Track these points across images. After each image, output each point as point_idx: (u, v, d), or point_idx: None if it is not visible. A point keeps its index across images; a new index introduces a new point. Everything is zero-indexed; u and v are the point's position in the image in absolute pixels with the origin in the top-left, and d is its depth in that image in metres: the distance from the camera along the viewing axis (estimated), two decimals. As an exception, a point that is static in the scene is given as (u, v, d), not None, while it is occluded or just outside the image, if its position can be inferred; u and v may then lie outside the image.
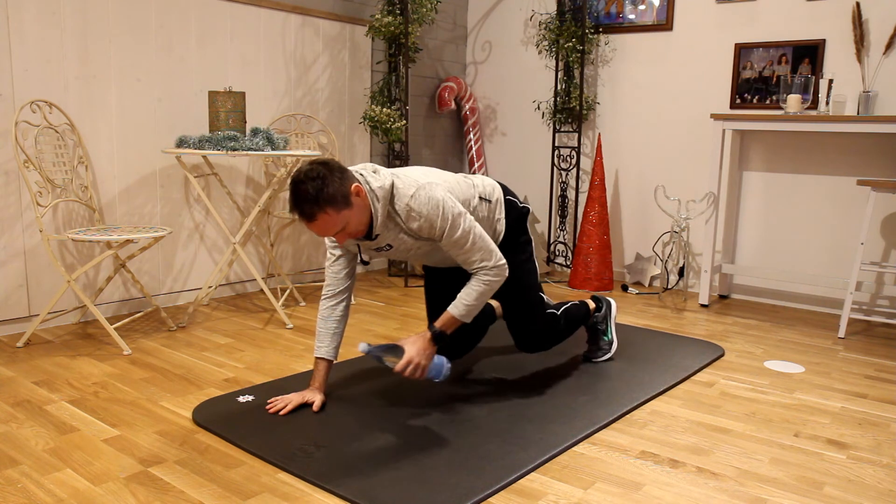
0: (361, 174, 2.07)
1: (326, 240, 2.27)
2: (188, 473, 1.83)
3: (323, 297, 2.31)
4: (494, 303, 2.76)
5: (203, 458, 1.91)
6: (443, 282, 2.54)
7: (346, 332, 3.14)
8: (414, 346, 2.11)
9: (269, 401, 2.25)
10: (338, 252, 2.27)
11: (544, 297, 2.53)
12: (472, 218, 2.15)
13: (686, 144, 4.10)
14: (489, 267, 2.15)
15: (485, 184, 2.40)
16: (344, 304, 2.30)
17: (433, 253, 2.30)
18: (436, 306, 2.54)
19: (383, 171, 2.12)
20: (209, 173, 3.53)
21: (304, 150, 3.72)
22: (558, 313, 2.54)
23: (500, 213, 2.41)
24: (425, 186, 2.08)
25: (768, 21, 3.76)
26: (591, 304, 2.78)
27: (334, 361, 2.32)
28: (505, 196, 2.44)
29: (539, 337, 2.47)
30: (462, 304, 2.15)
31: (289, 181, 2.02)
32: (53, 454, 1.92)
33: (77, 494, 1.71)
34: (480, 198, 2.34)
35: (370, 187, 2.05)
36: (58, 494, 1.71)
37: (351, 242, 2.22)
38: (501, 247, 2.44)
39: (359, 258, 2.28)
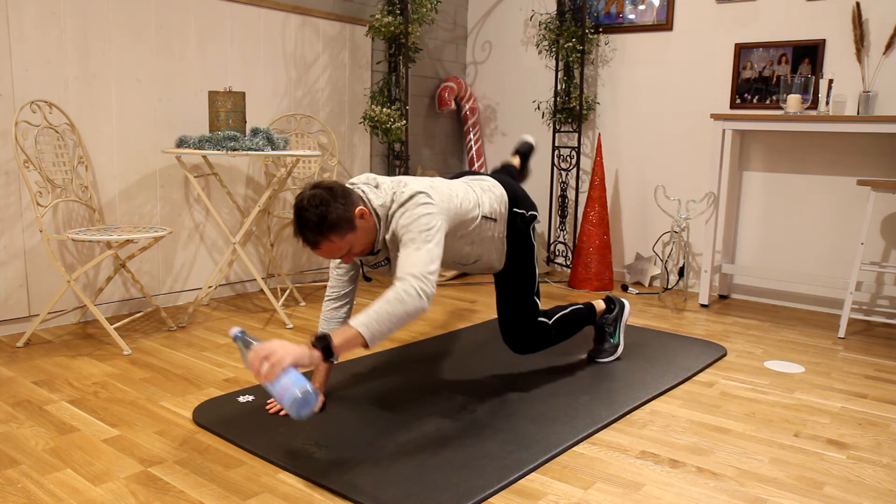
0: (363, 191, 2.03)
1: None
2: (188, 473, 1.83)
3: (326, 299, 2.30)
4: None
5: (203, 458, 1.91)
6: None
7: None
8: (280, 342, 1.74)
9: (268, 401, 2.25)
10: None
11: (539, 303, 2.52)
12: (441, 238, 1.99)
13: (686, 144, 4.10)
14: (409, 275, 1.86)
15: (492, 200, 2.33)
16: (347, 306, 2.30)
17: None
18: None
19: (384, 185, 2.07)
20: (209, 173, 3.53)
21: (304, 150, 3.73)
22: (550, 322, 2.52)
23: (505, 228, 2.40)
24: (413, 188, 2.03)
25: (768, 21, 3.76)
26: (602, 306, 2.77)
27: (335, 363, 2.32)
28: (511, 208, 2.40)
29: (526, 341, 2.48)
30: (362, 313, 1.80)
31: (293, 205, 1.95)
32: (53, 454, 1.92)
33: (77, 494, 1.71)
34: (484, 217, 2.29)
35: (372, 206, 2.02)
36: (58, 494, 1.71)
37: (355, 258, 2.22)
38: (507, 255, 2.44)
39: (361, 273, 2.28)
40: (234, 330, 1.79)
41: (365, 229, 2.00)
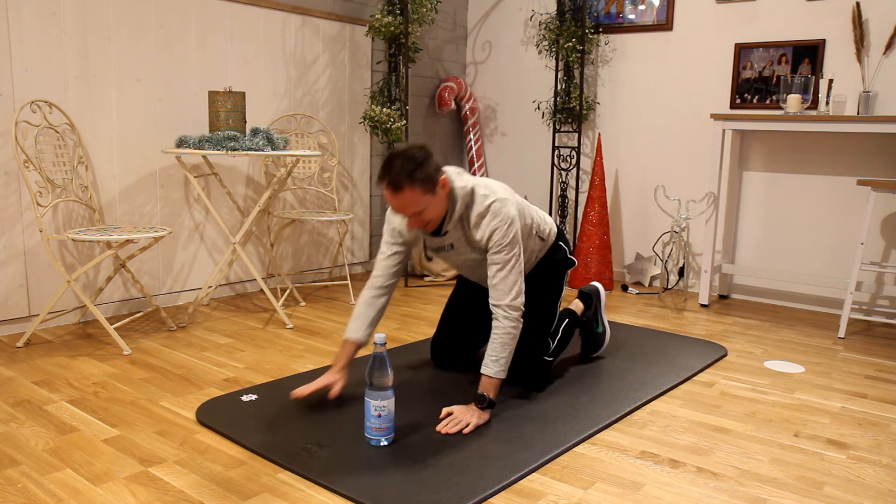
0: (448, 172, 2.17)
1: (385, 233, 2.34)
2: (188, 473, 1.83)
3: (368, 287, 2.35)
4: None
5: (203, 458, 1.91)
6: (470, 300, 2.62)
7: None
8: (459, 409, 2.15)
9: (295, 391, 2.24)
10: (394, 248, 2.32)
11: (552, 343, 2.54)
12: (522, 252, 2.22)
13: (686, 144, 4.10)
14: (506, 305, 2.15)
15: (546, 221, 2.49)
16: (386, 297, 2.36)
17: (482, 270, 2.34)
18: (452, 318, 2.63)
19: (466, 175, 2.22)
20: (209, 173, 3.53)
21: (304, 150, 3.72)
22: (552, 359, 2.53)
23: (544, 253, 2.51)
24: (503, 200, 2.17)
25: (768, 21, 3.76)
26: (580, 306, 2.79)
27: (363, 346, 2.34)
28: (557, 241, 2.54)
29: (526, 376, 2.46)
30: (491, 362, 2.15)
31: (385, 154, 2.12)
32: (53, 454, 1.92)
33: (77, 494, 1.71)
34: (536, 234, 2.42)
35: (452, 186, 2.15)
36: (58, 494, 1.71)
37: (419, 235, 2.29)
38: (535, 282, 2.49)
39: (423, 253, 2.32)
40: (381, 339, 1.96)
41: (441, 200, 2.12)
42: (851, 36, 3.53)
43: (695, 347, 3.00)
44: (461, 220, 2.19)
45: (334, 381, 2.26)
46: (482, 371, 2.16)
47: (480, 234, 2.17)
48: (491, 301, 2.18)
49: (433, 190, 2.07)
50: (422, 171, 2.03)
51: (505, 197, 2.19)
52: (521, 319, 2.18)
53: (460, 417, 2.11)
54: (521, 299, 2.18)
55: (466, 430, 2.08)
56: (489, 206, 2.16)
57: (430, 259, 2.33)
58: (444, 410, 2.16)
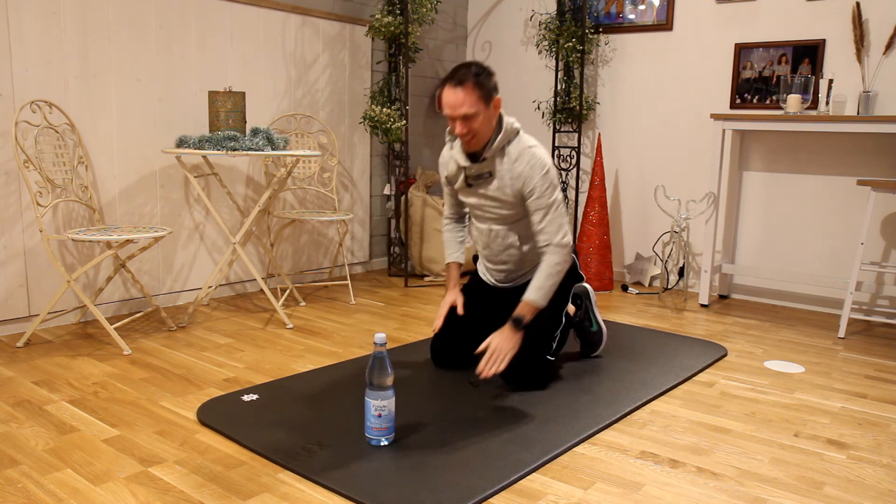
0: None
1: (442, 184, 2.60)
2: (188, 473, 1.83)
3: (445, 221, 2.73)
4: None
5: (203, 458, 1.91)
6: (472, 302, 2.65)
7: (347, 333, 3.14)
8: (498, 337, 2.28)
9: (436, 326, 2.52)
10: (450, 190, 2.61)
11: (554, 344, 2.53)
12: (562, 196, 2.39)
13: (686, 144, 4.10)
14: (555, 244, 2.32)
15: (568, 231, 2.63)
16: (462, 222, 2.73)
17: (505, 225, 2.47)
18: (453, 318, 2.60)
19: (515, 119, 2.43)
20: (209, 173, 3.53)
21: (304, 150, 3.73)
22: (552, 358, 2.53)
23: None
24: (543, 151, 2.37)
25: (768, 21, 3.76)
26: (572, 308, 2.80)
27: (463, 265, 2.69)
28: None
29: (526, 379, 2.46)
30: (535, 289, 2.32)
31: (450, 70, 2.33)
32: (53, 454, 1.92)
33: (77, 494, 1.71)
34: None
35: (503, 114, 2.37)
36: (58, 494, 1.71)
37: (458, 162, 2.43)
38: None
39: (465, 181, 2.46)
40: (381, 339, 1.95)
41: (491, 117, 2.31)
42: (851, 36, 3.53)
43: (695, 347, 3.00)
44: (501, 150, 2.36)
45: (455, 298, 2.56)
46: (524, 297, 2.31)
47: (519, 170, 2.33)
48: (540, 244, 2.35)
49: (488, 102, 2.26)
50: (487, 81, 2.25)
51: (545, 152, 2.37)
52: (570, 257, 2.35)
53: (500, 348, 2.25)
54: (569, 239, 2.34)
55: (502, 367, 2.24)
56: (530, 147, 2.35)
57: (470, 186, 2.47)
58: (483, 344, 2.28)
